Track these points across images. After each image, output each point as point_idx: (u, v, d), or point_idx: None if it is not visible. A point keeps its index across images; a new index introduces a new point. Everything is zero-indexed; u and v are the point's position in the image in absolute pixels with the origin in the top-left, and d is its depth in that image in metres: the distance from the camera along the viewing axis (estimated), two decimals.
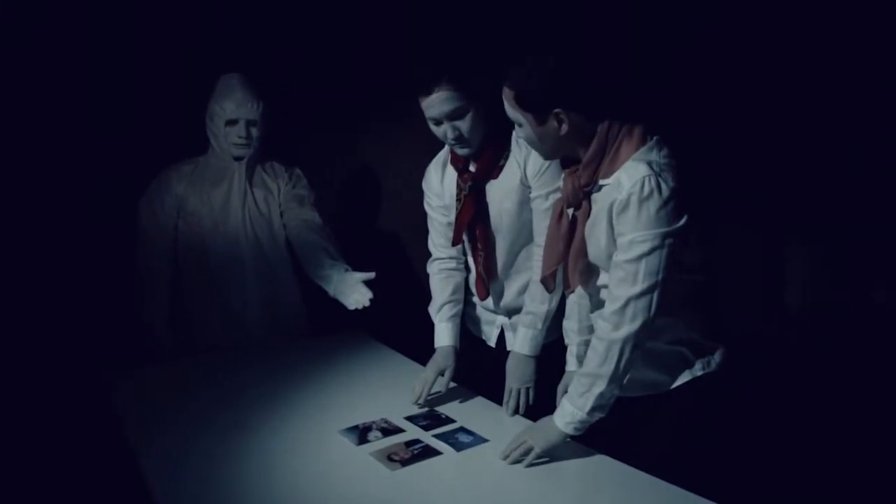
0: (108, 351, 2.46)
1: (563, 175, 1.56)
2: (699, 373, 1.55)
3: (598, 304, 1.59)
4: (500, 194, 1.87)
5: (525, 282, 1.93)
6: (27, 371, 2.57)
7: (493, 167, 1.86)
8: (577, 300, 1.75)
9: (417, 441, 1.65)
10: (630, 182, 1.38)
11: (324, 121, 3.13)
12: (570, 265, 1.54)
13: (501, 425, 1.74)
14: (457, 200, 1.91)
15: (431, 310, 2.03)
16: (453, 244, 1.97)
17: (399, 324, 2.41)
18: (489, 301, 2.01)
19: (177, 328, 2.44)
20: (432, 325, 2.02)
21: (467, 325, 2.13)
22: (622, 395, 1.58)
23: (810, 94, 1.83)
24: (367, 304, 2.08)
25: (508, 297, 1.98)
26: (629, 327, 1.41)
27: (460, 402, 1.89)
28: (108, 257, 2.62)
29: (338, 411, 1.83)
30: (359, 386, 2.03)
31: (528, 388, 1.84)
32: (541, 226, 1.83)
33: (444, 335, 1.97)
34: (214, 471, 1.53)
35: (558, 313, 1.83)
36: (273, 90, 2.47)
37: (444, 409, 1.82)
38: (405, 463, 1.54)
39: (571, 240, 1.54)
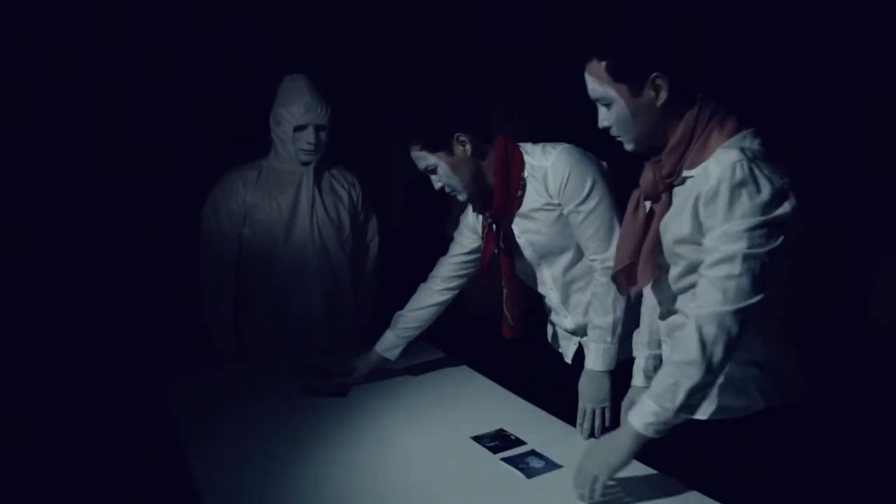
0: (167, 353, 2.48)
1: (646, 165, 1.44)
2: (776, 399, 1.41)
3: (667, 311, 1.48)
4: (529, 224, 1.84)
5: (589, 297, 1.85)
6: (86, 371, 2.62)
7: (511, 200, 1.82)
8: (648, 312, 1.65)
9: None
10: (719, 168, 1.26)
11: (381, 122, 3.08)
12: (642, 261, 1.43)
13: (575, 449, 1.62)
14: (481, 238, 1.91)
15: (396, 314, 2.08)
16: (482, 282, 1.95)
17: (467, 336, 2.34)
18: (564, 321, 1.94)
19: (237, 333, 2.43)
20: (500, 338, 1.95)
21: (547, 336, 2.07)
22: (694, 419, 1.46)
23: None
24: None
25: (577, 317, 1.91)
26: (724, 306, 1.26)
27: (531, 422, 1.79)
28: (172, 259, 2.64)
29: (397, 425, 1.79)
30: (424, 400, 1.96)
31: (603, 409, 1.74)
32: (584, 237, 1.79)
33: (381, 341, 2.06)
34: (264, 480, 1.51)
35: (635, 327, 1.73)
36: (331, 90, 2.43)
37: (513, 431, 1.72)
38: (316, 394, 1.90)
39: (646, 234, 1.42)
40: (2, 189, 2.53)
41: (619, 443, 1.35)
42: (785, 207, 1.25)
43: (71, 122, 2.63)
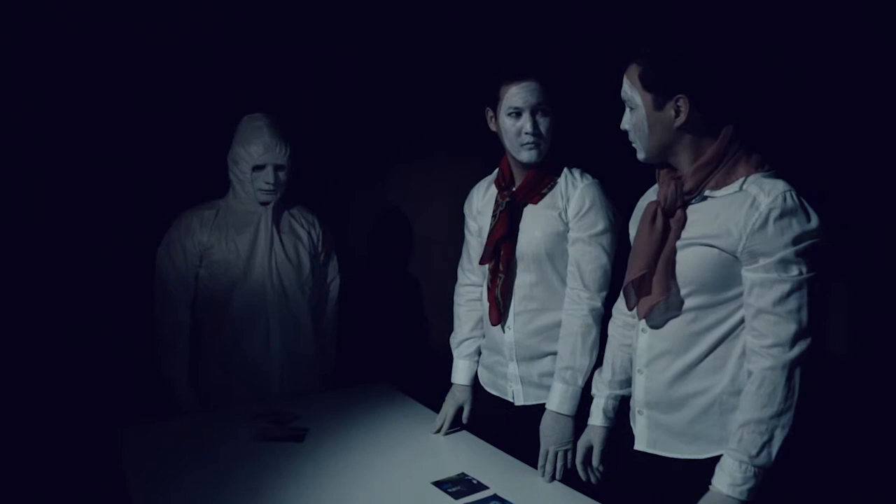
0: (120, 403, 2.39)
1: (660, 175, 1.49)
2: None
3: (664, 333, 1.47)
4: (533, 221, 1.85)
5: (542, 324, 1.86)
6: (37, 424, 2.51)
7: (535, 191, 1.85)
8: (613, 351, 1.64)
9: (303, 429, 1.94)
10: (768, 197, 1.32)
11: (347, 161, 3.08)
12: (659, 272, 1.44)
13: (538, 492, 1.62)
14: (492, 217, 1.90)
15: (452, 342, 2.08)
16: (481, 262, 1.93)
17: (427, 375, 2.31)
18: (498, 342, 1.93)
19: (192, 378, 2.34)
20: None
21: (479, 375, 2.05)
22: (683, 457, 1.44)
23: None
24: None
25: (518, 333, 1.89)
26: (803, 340, 1.30)
27: (493, 465, 1.76)
28: (124, 305, 2.56)
29: (356, 470, 1.74)
30: (384, 444, 1.91)
31: (566, 451, 1.72)
32: (582, 268, 1.79)
33: (461, 373, 2.04)
34: None
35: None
36: (293, 129, 2.41)
37: (475, 474, 1.69)
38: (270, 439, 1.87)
39: (664, 245, 1.45)
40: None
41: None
42: (827, 238, 1.31)
43: (71, 122, 2.60)
